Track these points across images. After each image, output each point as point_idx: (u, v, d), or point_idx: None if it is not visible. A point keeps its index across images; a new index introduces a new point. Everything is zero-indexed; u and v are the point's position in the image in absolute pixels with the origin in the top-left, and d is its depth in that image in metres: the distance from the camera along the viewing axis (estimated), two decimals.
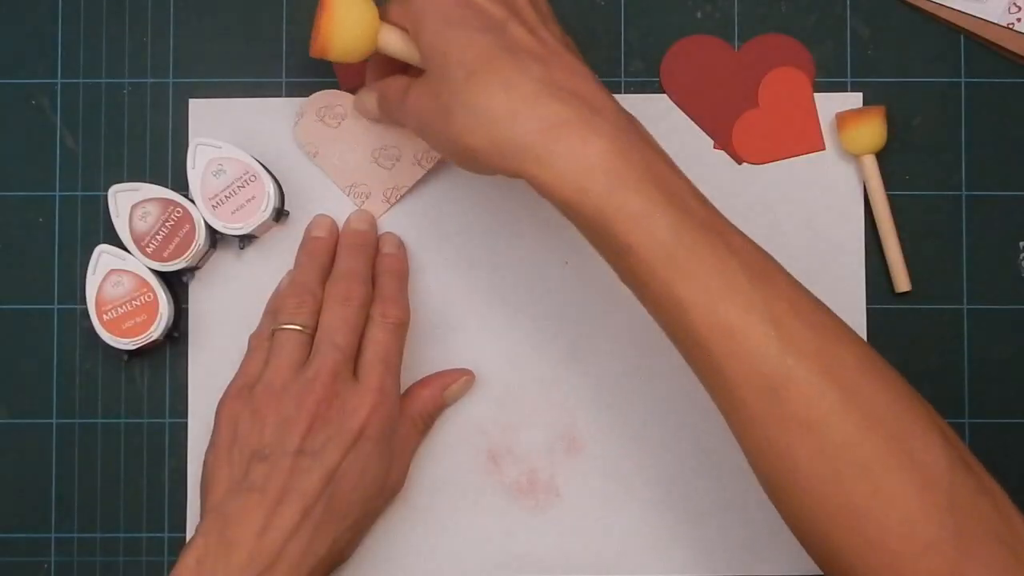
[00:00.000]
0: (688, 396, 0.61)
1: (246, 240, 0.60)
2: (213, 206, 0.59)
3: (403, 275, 0.60)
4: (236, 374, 0.58)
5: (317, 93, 0.61)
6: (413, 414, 0.59)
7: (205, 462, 0.57)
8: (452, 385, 0.60)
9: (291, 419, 0.54)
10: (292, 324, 0.57)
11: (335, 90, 0.61)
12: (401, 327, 0.58)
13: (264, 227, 0.60)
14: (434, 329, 0.61)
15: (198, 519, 0.55)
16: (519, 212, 0.61)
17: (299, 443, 0.54)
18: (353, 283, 0.58)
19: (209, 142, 0.59)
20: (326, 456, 0.54)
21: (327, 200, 0.61)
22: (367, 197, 0.61)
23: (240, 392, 0.57)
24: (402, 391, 0.59)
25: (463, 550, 0.61)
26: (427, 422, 0.60)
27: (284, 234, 0.61)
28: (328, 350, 0.56)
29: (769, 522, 0.60)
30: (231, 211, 0.59)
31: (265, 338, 0.58)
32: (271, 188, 0.59)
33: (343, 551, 0.57)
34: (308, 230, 0.61)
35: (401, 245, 0.61)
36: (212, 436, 0.57)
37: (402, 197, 0.61)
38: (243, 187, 0.59)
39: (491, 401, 0.61)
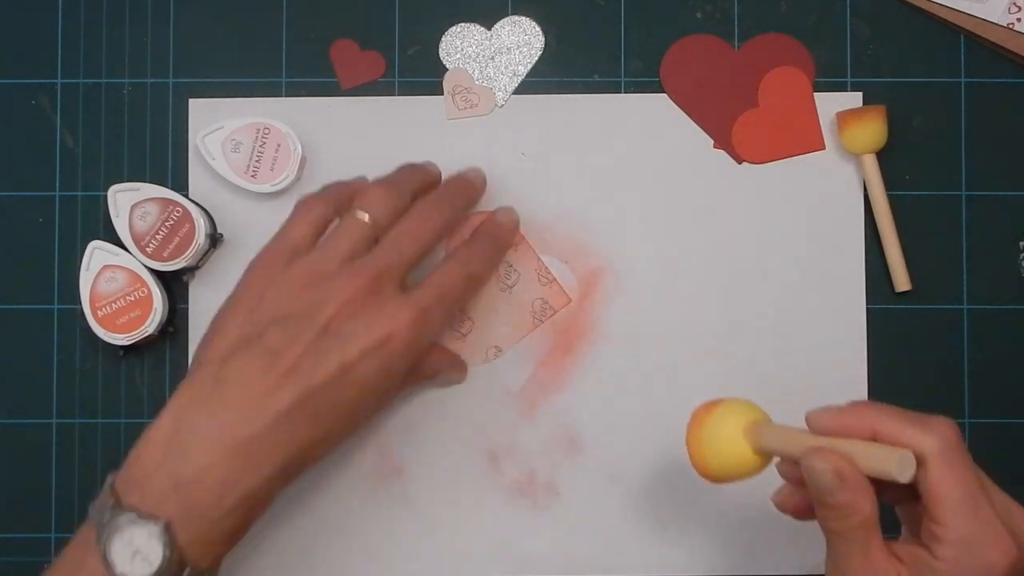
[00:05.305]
0: (688, 396, 0.61)
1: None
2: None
3: (503, 247, 0.59)
4: (275, 236, 0.55)
5: None
6: (420, 362, 0.57)
7: (215, 317, 0.53)
8: (452, 371, 0.60)
9: (326, 299, 0.51)
10: (366, 215, 0.53)
11: None
12: (475, 281, 0.56)
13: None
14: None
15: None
16: (520, 215, 0.61)
17: (327, 321, 0.51)
18: (443, 207, 0.55)
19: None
20: (348, 346, 0.51)
21: None
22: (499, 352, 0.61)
23: (278, 258, 0.53)
24: None
25: (463, 550, 0.61)
26: (422, 377, 0.58)
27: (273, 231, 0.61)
28: (389, 251, 0.53)
29: (769, 523, 0.60)
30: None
31: (316, 208, 0.54)
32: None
33: (316, 454, 0.53)
34: (422, 163, 0.58)
35: (516, 228, 0.60)
36: (233, 292, 0.53)
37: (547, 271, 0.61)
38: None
39: (491, 401, 0.61)
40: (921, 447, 0.45)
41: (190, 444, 0.50)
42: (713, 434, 0.49)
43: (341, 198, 0.56)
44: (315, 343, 0.51)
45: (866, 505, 0.45)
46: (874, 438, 0.46)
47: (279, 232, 0.55)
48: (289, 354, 0.50)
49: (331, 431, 0.52)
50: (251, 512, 0.51)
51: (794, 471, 0.49)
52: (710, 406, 0.50)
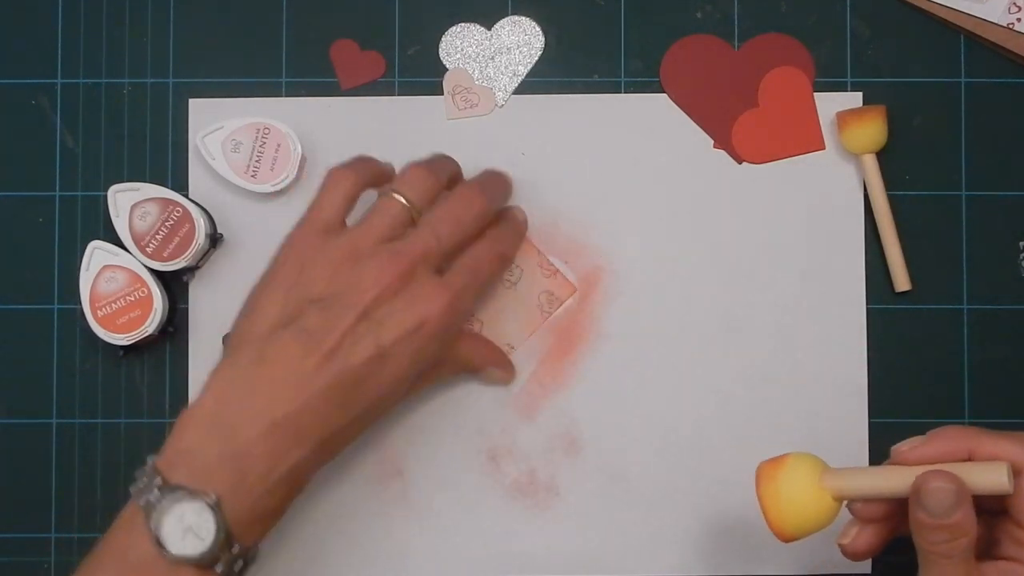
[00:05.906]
0: (687, 396, 0.61)
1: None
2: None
3: (522, 233, 0.60)
4: (309, 210, 0.55)
5: None
6: (463, 353, 0.58)
7: (252, 294, 0.54)
8: (498, 369, 0.60)
9: (364, 282, 0.52)
10: (404, 198, 0.54)
11: None
12: (504, 263, 0.58)
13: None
14: None
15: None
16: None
17: (365, 305, 0.51)
18: (482, 196, 0.56)
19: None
20: (384, 331, 0.51)
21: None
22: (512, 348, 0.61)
23: (315, 235, 0.54)
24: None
25: (463, 550, 0.61)
26: (464, 369, 0.59)
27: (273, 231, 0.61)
28: (427, 235, 0.53)
29: None
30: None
31: (346, 180, 0.55)
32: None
33: (353, 433, 0.53)
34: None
35: (526, 222, 0.60)
36: (270, 269, 0.54)
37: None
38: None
39: (491, 401, 0.61)
40: (1016, 459, 0.46)
41: (235, 419, 0.50)
42: (790, 487, 0.49)
43: (370, 172, 0.56)
44: (353, 327, 0.51)
45: (974, 524, 0.46)
46: (969, 458, 0.47)
47: (310, 207, 0.55)
48: (328, 337, 0.51)
49: (367, 410, 0.53)
50: (292, 488, 0.52)
51: (871, 509, 0.50)
52: (776, 461, 0.50)
